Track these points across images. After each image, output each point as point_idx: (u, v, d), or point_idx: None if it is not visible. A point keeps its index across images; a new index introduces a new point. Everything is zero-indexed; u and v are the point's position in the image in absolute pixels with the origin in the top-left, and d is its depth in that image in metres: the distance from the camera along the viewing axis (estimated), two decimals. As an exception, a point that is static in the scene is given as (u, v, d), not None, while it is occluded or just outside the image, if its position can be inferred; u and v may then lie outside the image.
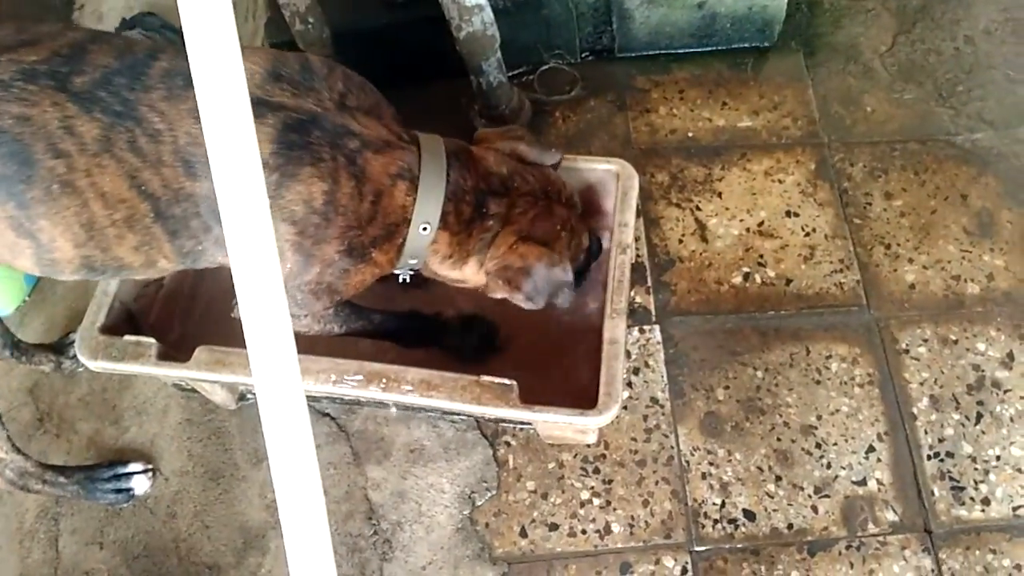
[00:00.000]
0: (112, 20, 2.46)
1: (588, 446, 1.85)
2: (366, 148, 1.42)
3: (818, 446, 1.83)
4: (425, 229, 1.50)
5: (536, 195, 1.60)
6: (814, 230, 2.11)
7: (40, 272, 1.44)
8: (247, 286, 0.96)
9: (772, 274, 2.05)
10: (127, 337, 1.72)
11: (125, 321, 1.81)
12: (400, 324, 1.82)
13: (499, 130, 1.68)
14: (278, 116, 1.35)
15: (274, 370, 0.99)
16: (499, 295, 1.59)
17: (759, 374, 1.92)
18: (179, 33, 2.30)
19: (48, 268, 1.42)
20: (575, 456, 1.85)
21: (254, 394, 1.90)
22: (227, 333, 1.83)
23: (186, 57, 1.36)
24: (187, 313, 1.98)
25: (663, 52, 2.44)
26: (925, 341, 1.94)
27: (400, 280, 1.63)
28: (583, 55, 2.45)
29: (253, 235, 0.96)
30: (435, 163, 1.50)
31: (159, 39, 2.31)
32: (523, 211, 1.57)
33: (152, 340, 1.70)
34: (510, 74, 2.22)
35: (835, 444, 1.83)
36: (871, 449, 1.82)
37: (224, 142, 0.93)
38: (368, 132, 1.44)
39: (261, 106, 1.34)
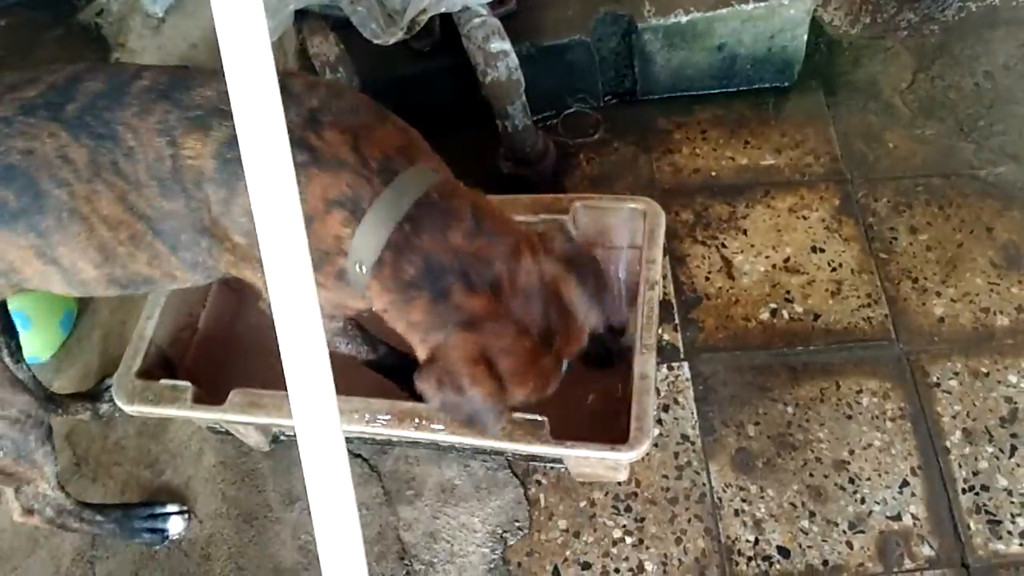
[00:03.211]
0: (147, 74, 2.53)
1: (619, 484, 1.85)
2: (312, 164, 1.27)
3: (851, 481, 1.82)
4: (360, 268, 1.31)
5: (535, 333, 1.31)
6: (840, 265, 2.12)
7: (76, 292, 1.46)
8: (286, 323, 0.97)
9: (800, 310, 2.05)
10: (163, 381, 1.75)
11: (161, 366, 1.84)
12: (398, 362, 1.73)
13: (572, 247, 1.38)
14: (224, 130, 1.28)
15: (313, 410, 1.00)
16: (419, 381, 1.32)
17: (789, 410, 1.92)
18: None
19: (81, 288, 1.44)
20: (606, 494, 1.85)
21: (287, 436, 1.92)
22: (262, 377, 1.85)
23: (170, 73, 1.35)
24: (222, 357, 2.01)
25: (685, 94, 2.48)
26: (956, 374, 1.94)
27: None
28: (606, 98, 2.49)
29: (291, 272, 0.98)
30: (393, 204, 1.28)
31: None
32: (503, 337, 1.29)
33: (188, 384, 1.73)
34: (535, 118, 2.26)
35: (868, 479, 1.82)
36: (905, 483, 1.81)
37: (263, 181, 0.95)
38: (325, 149, 1.29)
39: (216, 115, 1.29)
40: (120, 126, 1.30)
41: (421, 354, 1.34)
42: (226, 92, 1.32)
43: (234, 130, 1.26)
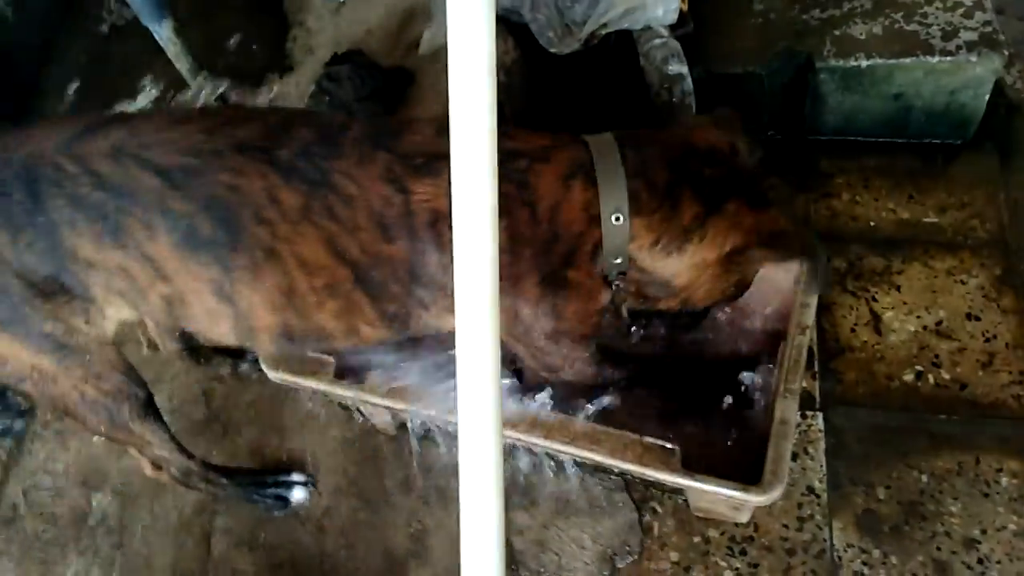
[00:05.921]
0: (322, 54, 2.62)
1: (738, 525, 1.82)
2: (534, 162, 1.41)
3: (980, 562, 1.74)
4: (618, 219, 1.41)
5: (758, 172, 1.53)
6: (995, 337, 2.03)
7: (240, 341, 1.49)
8: (466, 336, 1.00)
9: (947, 376, 1.98)
10: (309, 353, 1.80)
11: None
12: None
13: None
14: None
15: (479, 412, 1.03)
16: (752, 270, 1.55)
17: (924, 478, 1.85)
18: (383, 73, 2.43)
19: (245, 336, 1.47)
20: (722, 534, 1.82)
21: (415, 423, 1.95)
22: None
23: (373, 125, 1.42)
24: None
25: (852, 138, 2.41)
26: (1108, 470, 1.84)
27: (613, 287, 1.53)
28: (769, 132, 2.45)
29: (477, 278, 1.00)
30: (606, 148, 1.43)
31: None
32: (766, 188, 1.49)
33: (331, 359, 1.78)
34: (695, 143, 2.23)
35: (999, 562, 1.74)
36: (1038, 575, 1.73)
37: (466, 193, 0.98)
38: (527, 145, 1.43)
39: (439, 160, 1.36)
40: (338, 174, 1.35)
41: (709, 255, 1.48)
42: (431, 135, 1.40)
43: None
